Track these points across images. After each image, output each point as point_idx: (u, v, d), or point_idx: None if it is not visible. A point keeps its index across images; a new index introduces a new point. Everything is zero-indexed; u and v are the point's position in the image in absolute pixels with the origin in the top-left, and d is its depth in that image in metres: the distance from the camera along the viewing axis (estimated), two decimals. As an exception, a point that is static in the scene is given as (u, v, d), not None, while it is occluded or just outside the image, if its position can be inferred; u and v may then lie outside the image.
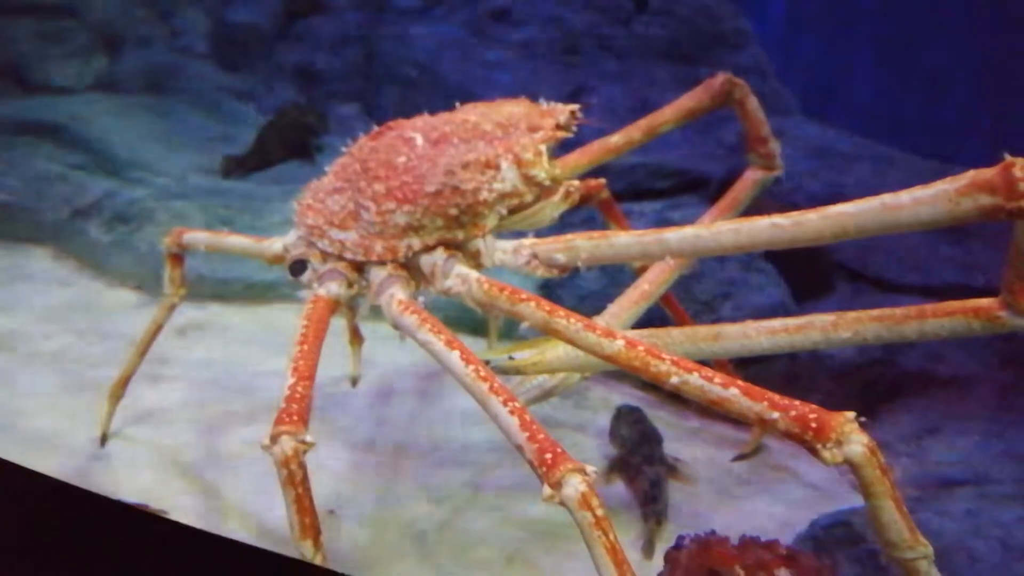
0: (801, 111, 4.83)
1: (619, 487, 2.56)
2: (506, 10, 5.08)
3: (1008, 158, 1.36)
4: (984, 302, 1.60)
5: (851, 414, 1.37)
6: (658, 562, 2.05)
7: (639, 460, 2.53)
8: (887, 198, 1.48)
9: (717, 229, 1.67)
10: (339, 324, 2.88)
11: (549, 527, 2.33)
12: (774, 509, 2.53)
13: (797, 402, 1.41)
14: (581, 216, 3.48)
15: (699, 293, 3.10)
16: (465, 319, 3.10)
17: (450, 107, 2.19)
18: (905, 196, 1.45)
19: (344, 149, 2.08)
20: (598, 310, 2.20)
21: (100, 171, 4.53)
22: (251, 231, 3.78)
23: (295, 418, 1.54)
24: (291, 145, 4.77)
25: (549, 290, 3.36)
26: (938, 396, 2.80)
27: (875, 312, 1.69)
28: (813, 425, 1.37)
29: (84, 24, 5.87)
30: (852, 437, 1.35)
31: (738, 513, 2.49)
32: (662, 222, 3.44)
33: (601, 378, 3.12)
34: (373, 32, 5.36)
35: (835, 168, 4.03)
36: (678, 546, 1.92)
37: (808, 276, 3.26)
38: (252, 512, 2.35)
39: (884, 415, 2.83)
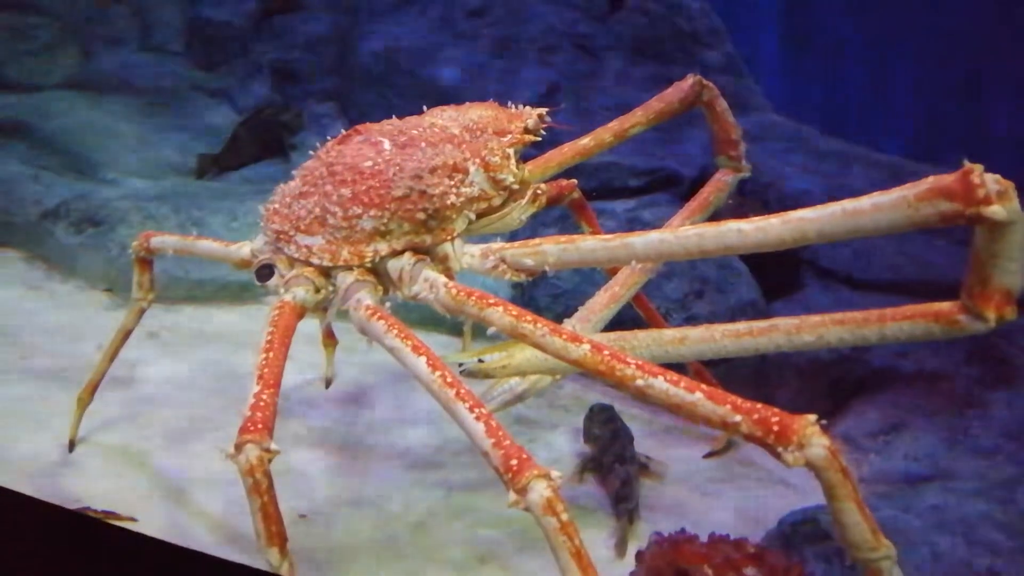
0: (774, 109, 4.87)
1: (592, 485, 2.58)
2: (482, 9, 5.06)
3: (967, 164, 1.36)
4: (944, 306, 1.59)
5: (812, 417, 1.37)
6: (630, 560, 2.07)
7: (611, 459, 2.54)
8: (847, 204, 1.47)
9: (682, 234, 1.67)
10: (314, 325, 2.88)
11: (522, 527, 2.33)
12: (744, 506, 2.55)
13: (760, 405, 1.41)
14: (554, 215, 3.49)
15: (671, 292, 3.12)
16: (443, 319, 3.09)
17: (423, 107, 2.18)
18: (865, 201, 1.44)
19: (312, 153, 2.07)
20: (571, 309, 2.21)
21: (71, 171, 4.46)
22: (225, 231, 3.77)
23: (260, 427, 1.53)
24: (266, 144, 4.73)
25: (523, 290, 3.37)
26: (904, 392, 2.83)
27: (837, 315, 1.69)
28: (775, 428, 1.38)
29: (53, 20, 5.77)
30: (813, 440, 1.35)
31: (709, 510, 2.52)
32: (634, 220, 3.45)
33: (575, 377, 3.14)
34: (349, 30, 5.32)
35: (808, 167, 4.07)
36: (649, 544, 1.94)
37: (778, 274, 3.29)
38: (222, 518, 2.33)
39: (851, 411, 2.85)
